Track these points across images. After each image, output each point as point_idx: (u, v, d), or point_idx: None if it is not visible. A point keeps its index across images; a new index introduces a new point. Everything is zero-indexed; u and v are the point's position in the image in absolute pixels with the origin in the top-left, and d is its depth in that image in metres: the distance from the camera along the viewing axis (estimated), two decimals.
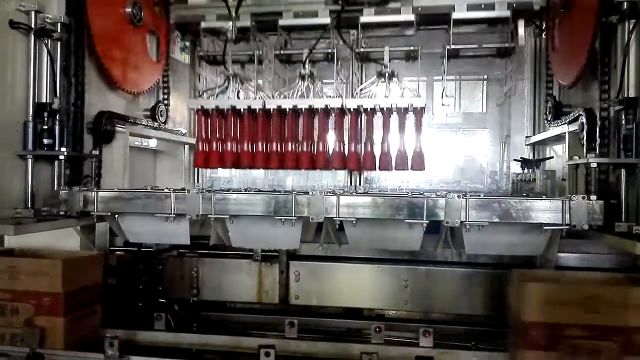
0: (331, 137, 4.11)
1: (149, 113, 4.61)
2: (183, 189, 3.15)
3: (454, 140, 5.51)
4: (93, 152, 3.73)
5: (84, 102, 3.66)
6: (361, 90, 4.18)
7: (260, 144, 4.07)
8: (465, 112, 5.53)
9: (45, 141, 3.38)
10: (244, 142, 4.10)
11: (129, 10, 4.06)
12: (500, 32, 4.46)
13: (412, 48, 4.23)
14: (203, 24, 4.55)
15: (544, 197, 2.85)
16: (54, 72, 3.41)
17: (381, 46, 4.18)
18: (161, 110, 4.72)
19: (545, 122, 4.36)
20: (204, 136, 4.18)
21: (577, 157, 3.29)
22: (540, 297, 2.65)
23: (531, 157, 4.84)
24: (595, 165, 3.07)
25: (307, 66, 4.10)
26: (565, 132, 3.82)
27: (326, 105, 3.95)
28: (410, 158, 3.96)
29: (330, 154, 4.06)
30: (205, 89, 4.73)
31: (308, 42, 4.42)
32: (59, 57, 3.47)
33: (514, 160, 4.95)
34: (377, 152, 4.01)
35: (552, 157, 4.63)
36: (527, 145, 5.01)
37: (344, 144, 4.03)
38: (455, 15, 4.18)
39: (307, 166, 4.00)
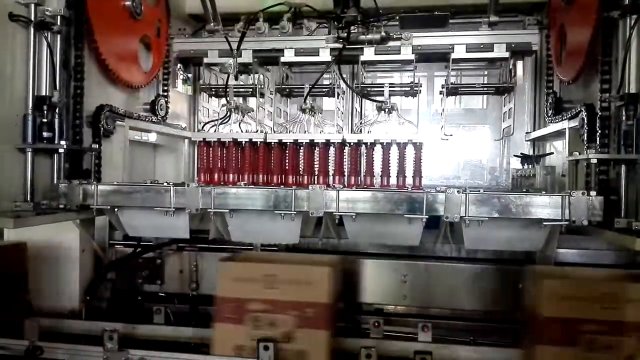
0: (331, 168, 4.17)
1: (148, 107, 4.61)
2: (182, 183, 3.15)
3: (454, 136, 5.51)
4: (92, 145, 3.72)
5: (84, 96, 3.65)
6: (361, 124, 4.33)
7: (261, 175, 4.15)
8: (465, 108, 5.54)
9: (45, 134, 3.37)
10: (244, 173, 4.17)
11: (128, 3, 4.04)
12: (499, 68, 4.58)
13: (411, 83, 4.29)
14: (205, 60, 4.67)
15: (543, 192, 2.85)
16: (53, 65, 3.41)
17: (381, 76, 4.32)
18: (161, 104, 4.71)
19: (546, 118, 4.36)
20: (205, 167, 4.25)
21: (577, 153, 3.28)
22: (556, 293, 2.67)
23: (531, 153, 4.84)
24: (595, 161, 3.07)
25: (308, 101, 4.21)
26: (565, 128, 3.81)
27: (327, 140, 4.03)
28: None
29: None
30: (208, 120, 4.83)
31: (308, 75, 4.58)
32: (59, 50, 3.47)
33: (514, 156, 4.95)
34: (377, 184, 4.06)
35: (552, 153, 4.62)
36: (527, 141, 5.00)
37: (345, 177, 4.08)
38: (455, 55, 4.29)
39: None
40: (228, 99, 4.42)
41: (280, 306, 2.78)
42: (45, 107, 3.37)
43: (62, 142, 3.40)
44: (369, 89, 4.49)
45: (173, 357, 3.01)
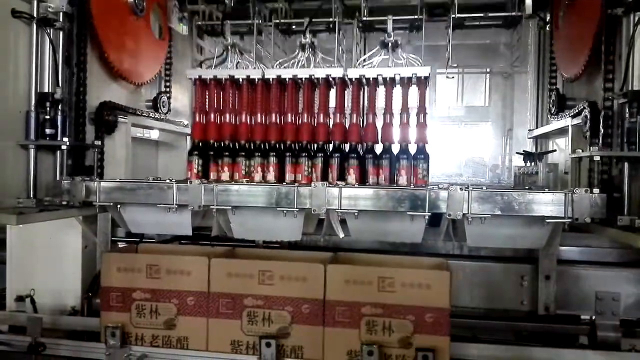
0: (332, 108, 3.89)
1: (151, 104, 4.61)
2: (185, 180, 3.15)
3: (456, 134, 5.51)
4: (95, 142, 3.73)
5: (86, 92, 3.66)
6: (364, 60, 3.88)
7: (259, 115, 3.81)
8: (467, 105, 5.53)
9: (48, 131, 3.36)
10: (242, 114, 3.83)
11: (131, 0, 4.05)
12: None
13: (416, 17, 4.02)
14: None
15: (546, 190, 2.84)
16: (56, 61, 3.40)
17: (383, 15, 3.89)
18: (163, 101, 4.71)
19: (549, 115, 4.36)
20: (201, 107, 3.87)
21: (580, 150, 3.27)
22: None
23: (534, 151, 4.84)
24: (598, 158, 3.05)
25: (307, 35, 3.85)
26: (568, 125, 3.81)
27: (327, 75, 3.70)
28: (413, 131, 3.65)
29: (331, 126, 3.80)
30: (204, 58, 4.47)
31: (309, 13, 4.29)
32: (61, 46, 3.46)
33: (517, 153, 4.94)
34: (380, 125, 3.72)
35: (555, 150, 4.62)
36: (530, 138, 5.00)
37: (345, 117, 3.78)
38: None
39: (307, 138, 3.71)
40: (225, 35, 4.09)
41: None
42: (47, 104, 3.37)
43: (65, 139, 3.40)
44: (371, 22, 4.21)
45: (175, 354, 3.02)
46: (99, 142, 3.75)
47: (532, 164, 4.52)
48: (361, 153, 3.60)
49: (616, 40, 3.07)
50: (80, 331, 3.38)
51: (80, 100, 3.62)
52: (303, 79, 3.74)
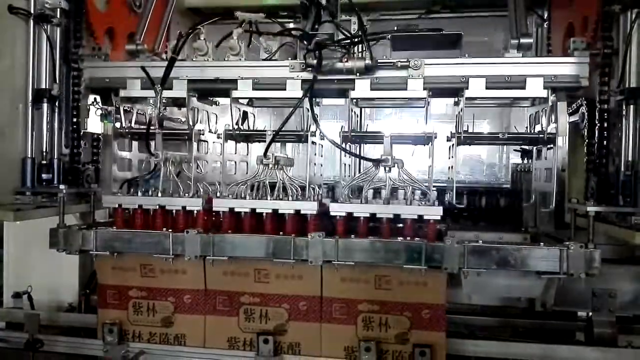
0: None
1: None
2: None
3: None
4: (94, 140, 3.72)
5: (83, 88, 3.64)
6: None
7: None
8: None
9: (44, 176, 3.39)
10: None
11: None
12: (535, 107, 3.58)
13: (424, 134, 3.18)
14: (122, 93, 3.41)
15: (541, 244, 2.73)
16: (53, 58, 3.40)
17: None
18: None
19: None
20: None
21: (576, 200, 3.02)
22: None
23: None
24: (593, 214, 2.74)
25: (270, 154, 2.99)
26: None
27: (297, 211, 2.88)
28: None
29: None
30: (131, 177, 3.51)
31: (281, 112, 3.33)
32: (59, 42, 3.46)
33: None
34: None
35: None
36: None
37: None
38: (470, 93, 3.16)
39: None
40: (152, 149, 3.24)
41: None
42: (45, 100, 3.37)
43: (62, 187, 3.09)
44: (363, 136, 3.37)
45: (173, 350, 3.03)
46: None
47: (529, 161, 4.52)
48: None
49: (613, 37, 3.08)
50: (77, 328, 3.38)
51: (77, 96, 3.61)
52: (264, 214, 2.90)
